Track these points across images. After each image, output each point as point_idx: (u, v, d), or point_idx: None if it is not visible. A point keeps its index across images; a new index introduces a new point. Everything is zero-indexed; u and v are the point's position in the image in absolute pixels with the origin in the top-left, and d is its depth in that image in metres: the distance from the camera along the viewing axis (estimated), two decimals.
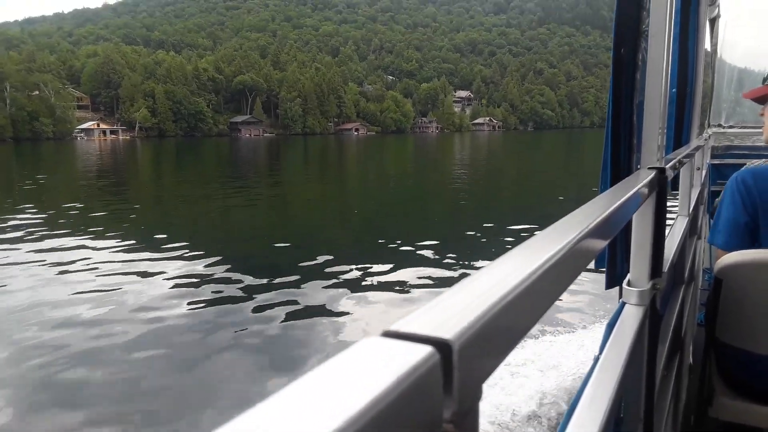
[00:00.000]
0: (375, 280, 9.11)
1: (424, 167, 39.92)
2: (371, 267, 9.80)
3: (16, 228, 13.56)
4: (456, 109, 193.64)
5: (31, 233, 12.89)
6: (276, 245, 12.13)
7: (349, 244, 12.34)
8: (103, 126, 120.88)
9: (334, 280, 8.95)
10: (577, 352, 5.59)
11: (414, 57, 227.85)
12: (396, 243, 11.93)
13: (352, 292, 8.38)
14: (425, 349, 0.28)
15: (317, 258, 10.32)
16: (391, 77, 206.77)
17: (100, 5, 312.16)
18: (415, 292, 8.42)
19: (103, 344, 6.28)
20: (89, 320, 7.08)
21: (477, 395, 0.34)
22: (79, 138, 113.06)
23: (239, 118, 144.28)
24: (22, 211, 16.44)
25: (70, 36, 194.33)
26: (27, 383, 5.36)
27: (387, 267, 9.80)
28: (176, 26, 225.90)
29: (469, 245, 11.89)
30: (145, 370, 5.72)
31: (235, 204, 19.06)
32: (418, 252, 10.93)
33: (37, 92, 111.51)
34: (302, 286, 8.60)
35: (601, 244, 0.71)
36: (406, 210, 18.00)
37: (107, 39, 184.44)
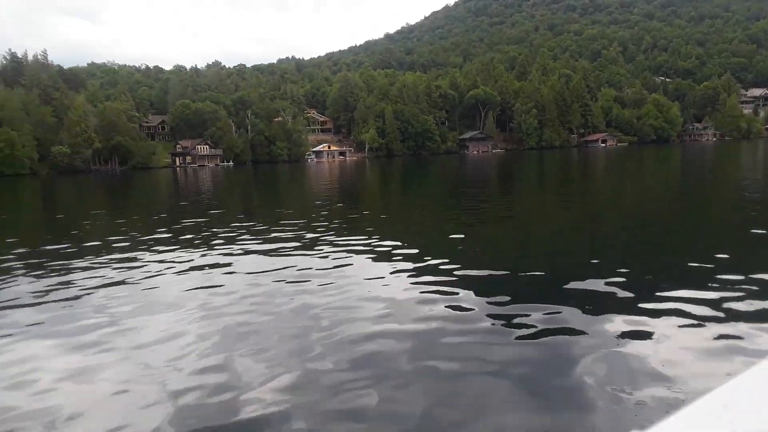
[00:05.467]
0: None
1: (704, 183, 30.50)
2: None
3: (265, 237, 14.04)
4: (745, 111, 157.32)
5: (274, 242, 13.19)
6: (524, 267, 10.03)
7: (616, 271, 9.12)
8: (333, 148, 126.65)
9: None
10: None
11: (694, 53, 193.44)
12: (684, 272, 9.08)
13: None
14: None
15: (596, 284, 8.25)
16: (660, 78, 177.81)
17: (382, 35, 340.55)
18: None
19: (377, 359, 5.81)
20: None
21: None
22: (309, 160, 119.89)
23: (467, 135, 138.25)
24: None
25: (335, 65, 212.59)
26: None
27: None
28: (432, 47, 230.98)
29: None
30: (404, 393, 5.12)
31: (469, 222, 16.58)
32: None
33: (279, 118, 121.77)
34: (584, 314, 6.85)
35: None
36: (687, 236, 13.48)
37: (364, 65, 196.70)
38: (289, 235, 14.16)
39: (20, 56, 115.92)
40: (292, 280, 9.17)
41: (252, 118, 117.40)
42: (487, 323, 6.67)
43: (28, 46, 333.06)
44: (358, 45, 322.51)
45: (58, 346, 6.44)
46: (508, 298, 7.64)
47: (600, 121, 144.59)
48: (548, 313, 6.90)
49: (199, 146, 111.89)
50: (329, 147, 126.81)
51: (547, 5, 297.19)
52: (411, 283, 8.64)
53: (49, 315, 7.72)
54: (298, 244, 12.74)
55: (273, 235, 14.33)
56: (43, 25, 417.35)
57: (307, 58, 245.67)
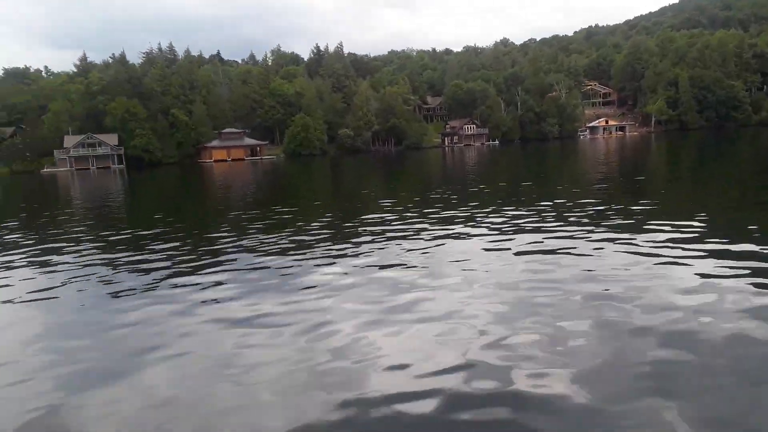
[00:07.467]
0: None
1: None
2: None
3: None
4: None
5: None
6: None
7: None
8: (611, 123, 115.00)
9: None
10: None
11: None
12: None
13: None
14: None
15: None
16: None
17: None
18: None
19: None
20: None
21: None
22: (581, 136, 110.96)
23: None
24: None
25: (631, 29, 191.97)
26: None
27: None
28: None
29: None
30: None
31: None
32: None
33: (555, 93, 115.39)
34: None
35: None
36: None
37: (669, 26, 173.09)
38: (569, 215, 13.48)
39: (322, 49, 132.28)
40: (579, 262, 8.73)
41: (522, 94, 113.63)
42: None
43: (359, 39, 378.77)
44: (668, 5, 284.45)
45: (352, 302, 7.16)
46: None
47: None
48: None
49: (466, 126, 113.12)
50: (606, 122, 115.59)
51: None
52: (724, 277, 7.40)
53: (344, 271, 8.83)
54: (583, 226, 12.02)
55: (553, 215, 13.75)
56: (374, 17, 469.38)
57: (611, 24, 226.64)
